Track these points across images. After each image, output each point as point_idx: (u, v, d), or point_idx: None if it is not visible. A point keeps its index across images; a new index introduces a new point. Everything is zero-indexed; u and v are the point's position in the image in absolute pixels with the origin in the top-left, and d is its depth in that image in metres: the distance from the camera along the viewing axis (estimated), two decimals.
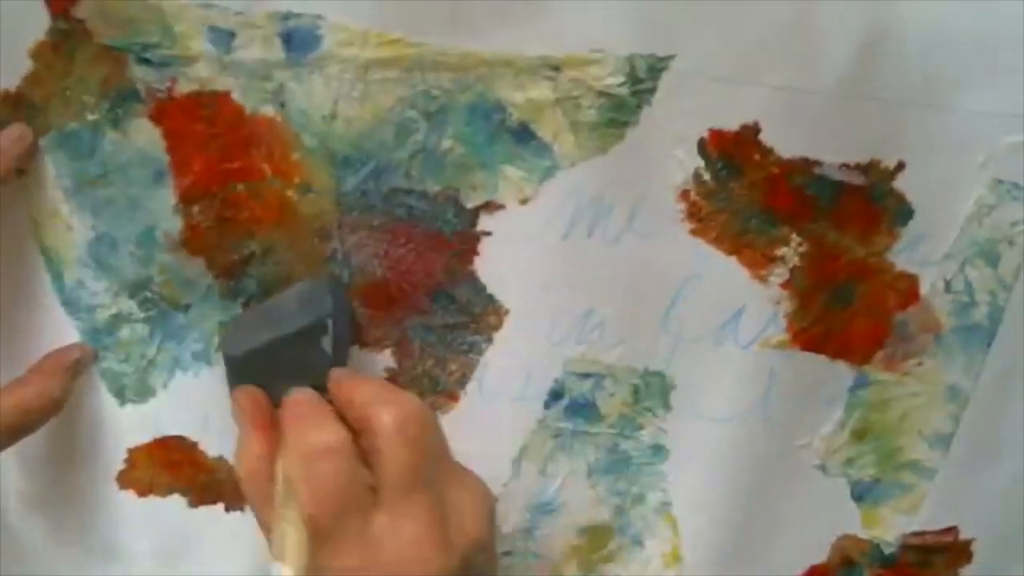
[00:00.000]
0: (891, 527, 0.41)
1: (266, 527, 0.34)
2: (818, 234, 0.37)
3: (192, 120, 0.35)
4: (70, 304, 0.39)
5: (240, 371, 0.37)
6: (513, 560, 0.42)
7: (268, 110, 0.35)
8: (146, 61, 0.35)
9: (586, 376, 0.39)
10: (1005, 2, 0.33)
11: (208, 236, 0.37)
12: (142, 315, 0.39)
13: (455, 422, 0.39)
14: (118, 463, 0.41)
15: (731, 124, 0.35)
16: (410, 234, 0.37)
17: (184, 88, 0.35)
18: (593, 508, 0.41)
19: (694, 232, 0.37)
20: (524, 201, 0.36)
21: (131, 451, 0.41)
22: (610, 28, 0.34)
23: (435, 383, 0.39)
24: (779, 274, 0.37)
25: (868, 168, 0.35)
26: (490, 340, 0.38)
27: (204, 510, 0.42)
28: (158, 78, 0.35)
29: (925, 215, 0.36)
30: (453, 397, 0.39)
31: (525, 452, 0.40)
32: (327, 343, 0.36)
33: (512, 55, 0.34)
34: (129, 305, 0.39)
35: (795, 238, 0.37)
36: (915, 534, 0.42)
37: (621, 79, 0.34)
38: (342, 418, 0.34)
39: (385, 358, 0.39)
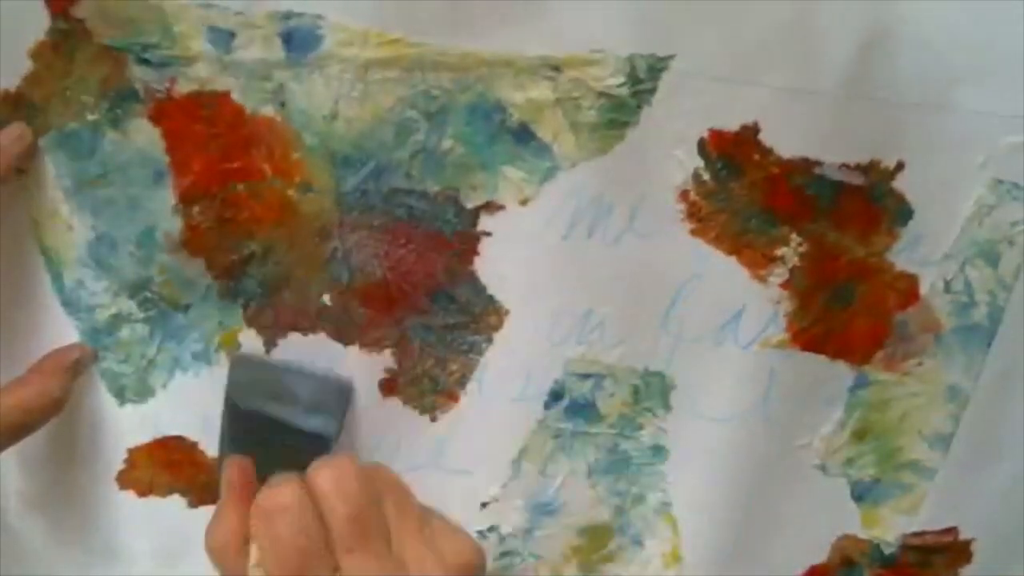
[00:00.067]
0: (891, 527, 0.42)
1: None
2: (818, 234, 0.37)
3: (192, 120, 0.35)
4: (70, 304, 0.39)
5: (237, 420, 0.38)
6: (513, 560, 0.42)
7: (268, 110, 0.35)
8: (146, 61, 0.35)
9: (586, 376, 0.39)
10: (1005, 2, 0.33)
11: (208, 236, 0.37)
12: (142, 315, 0.39)
13: (455, 422, 0.39)
14: (118, 463, 0.41)
15: (731, 124, 0.35)
16: (410, 234, 0.37)
17: (184, 88, 0.35)
18: (593, 508, 0.41)
19: (694, 232, 0.37)
20: (524, 201, 0.36)
21: (131, 451, 0.41)
22: (610, 28, 0.34)
23: (435, 383, 0.39)
24: (779, 274, 0.37)
25: (868, 168, 0.35)
26: (490, 340, 0.38)
27: (204, 510, 0.42)
28: (158, 78, 0.35)
29: (925, 215, 0.36)
30: (453, 397, 0.39)
31: (525, 452, 0.40)
32: (324, 453, 0.37)
33: (512, 55, 0.34)
34: (129, 305, 0.39)
35: (795, 238, 0.37)
36: (915, 534, 0.42)
37: (621, 79, 0.34)
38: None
39: (385, 358, 0.39)
